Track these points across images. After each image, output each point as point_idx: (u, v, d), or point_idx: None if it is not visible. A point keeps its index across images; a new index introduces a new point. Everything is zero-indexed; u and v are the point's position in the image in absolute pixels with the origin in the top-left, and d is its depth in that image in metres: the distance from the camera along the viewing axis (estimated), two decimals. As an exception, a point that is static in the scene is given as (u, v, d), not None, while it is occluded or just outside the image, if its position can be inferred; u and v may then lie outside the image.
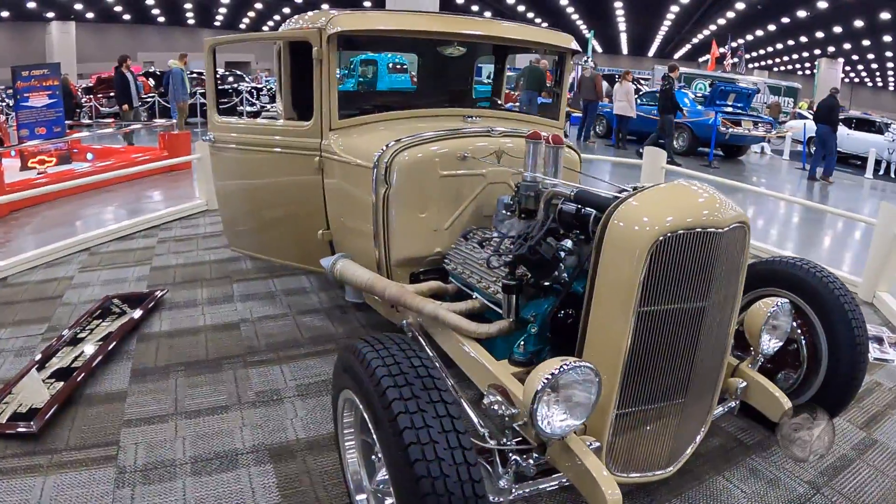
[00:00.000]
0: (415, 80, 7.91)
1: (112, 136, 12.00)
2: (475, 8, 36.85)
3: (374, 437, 1.65)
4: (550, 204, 2.43)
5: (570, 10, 35.79)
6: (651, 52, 46.31)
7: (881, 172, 13.98)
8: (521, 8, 36.25)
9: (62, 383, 3.01)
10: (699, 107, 14.86)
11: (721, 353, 2.19)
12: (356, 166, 3.10)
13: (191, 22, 41.77)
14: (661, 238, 1.81)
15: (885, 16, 25.99)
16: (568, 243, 2.32)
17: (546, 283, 2.34)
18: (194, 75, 17.22)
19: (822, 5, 25.87)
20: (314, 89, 3.31)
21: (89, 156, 9.08)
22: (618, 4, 34.09)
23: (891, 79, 45.58)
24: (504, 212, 2.79)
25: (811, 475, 2.54)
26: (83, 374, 3.09)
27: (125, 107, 11.98)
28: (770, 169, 14.21)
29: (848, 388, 2.53)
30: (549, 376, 1.66)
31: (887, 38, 31.30)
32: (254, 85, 18.88)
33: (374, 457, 1.86)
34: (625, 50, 47.36)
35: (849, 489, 2.48)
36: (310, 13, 3.62)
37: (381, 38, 4.12)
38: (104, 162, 8.81)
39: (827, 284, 2.55)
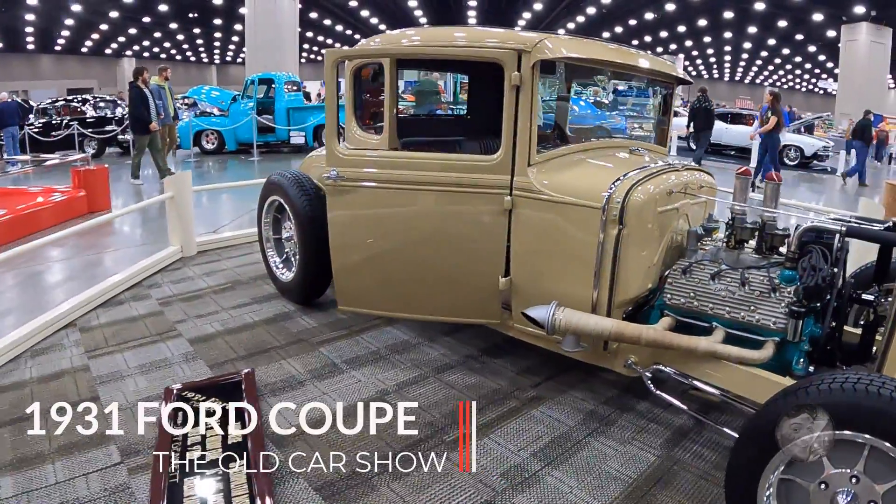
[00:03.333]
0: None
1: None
2: (327, 22, 35.91)
3: None
4: (806, 236, 2.58)
5: (423, 20, 35.90)
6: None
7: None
8: (382, 26, 35.66)
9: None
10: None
11: None
12: (575, 206, 2.89)
13: (31, 47, 38.90)
14: None
15: (727, 14, 28.94)
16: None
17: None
18: (47, 104, 14.87)
19: (670, 7, 28.15)
20: (504, 119, 2.97)
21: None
22: (471, 18, 34.78)
23: (727, 70, 51.14)
24: (701, 243, 3.04)
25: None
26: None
27: (152, 126, 9.60)
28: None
29: None
30: None
31: (727, 35, 34.94)
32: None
33: (819, 485, 1.83)
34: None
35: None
36: (491, 30, 3.21)
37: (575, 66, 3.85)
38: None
39: None
